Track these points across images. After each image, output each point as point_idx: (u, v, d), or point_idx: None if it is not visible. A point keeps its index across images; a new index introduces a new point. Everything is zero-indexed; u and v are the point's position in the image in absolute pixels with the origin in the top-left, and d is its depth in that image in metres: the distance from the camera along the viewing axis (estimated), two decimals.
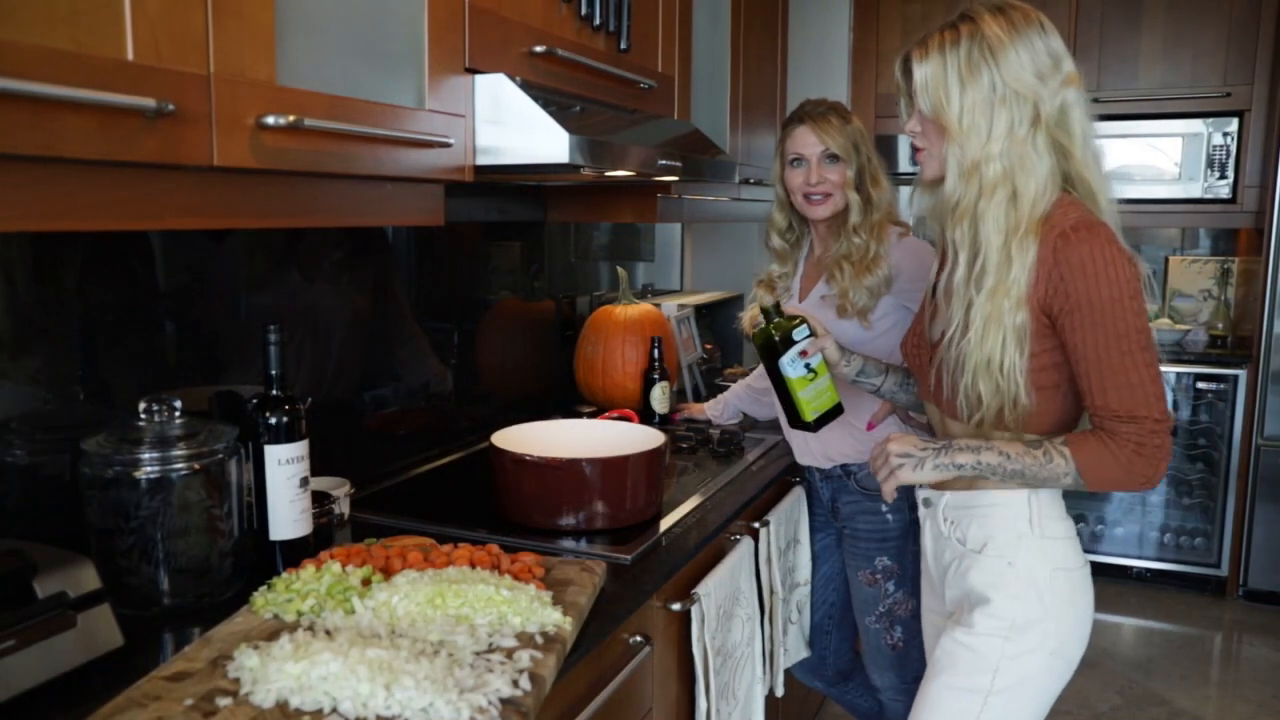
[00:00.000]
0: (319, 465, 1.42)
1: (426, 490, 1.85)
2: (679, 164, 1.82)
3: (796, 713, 2.38)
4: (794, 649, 2.02)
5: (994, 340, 1.27)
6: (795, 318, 1.61)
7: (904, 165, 4.00)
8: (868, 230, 1.86)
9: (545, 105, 1.42)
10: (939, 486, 1.43)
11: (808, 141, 1.88)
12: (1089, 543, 3.95)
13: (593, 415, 2.28)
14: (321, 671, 0.96)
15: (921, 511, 1.50)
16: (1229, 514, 3.71)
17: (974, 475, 1.32)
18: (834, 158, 1.87)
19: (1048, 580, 1.33)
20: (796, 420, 1.64)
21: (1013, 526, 1.35)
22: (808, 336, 1.60)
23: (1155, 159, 3.89)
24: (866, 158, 1.89)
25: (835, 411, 1.65)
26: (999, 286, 1.27)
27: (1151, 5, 3.81)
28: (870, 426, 1.78)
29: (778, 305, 1.62)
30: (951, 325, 1.33)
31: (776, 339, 1.60)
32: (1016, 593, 1.34)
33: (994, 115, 1.26)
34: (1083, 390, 1.27)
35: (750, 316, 2.15)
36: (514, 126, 1.41)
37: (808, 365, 1.60)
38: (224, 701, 0.94)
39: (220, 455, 1.24)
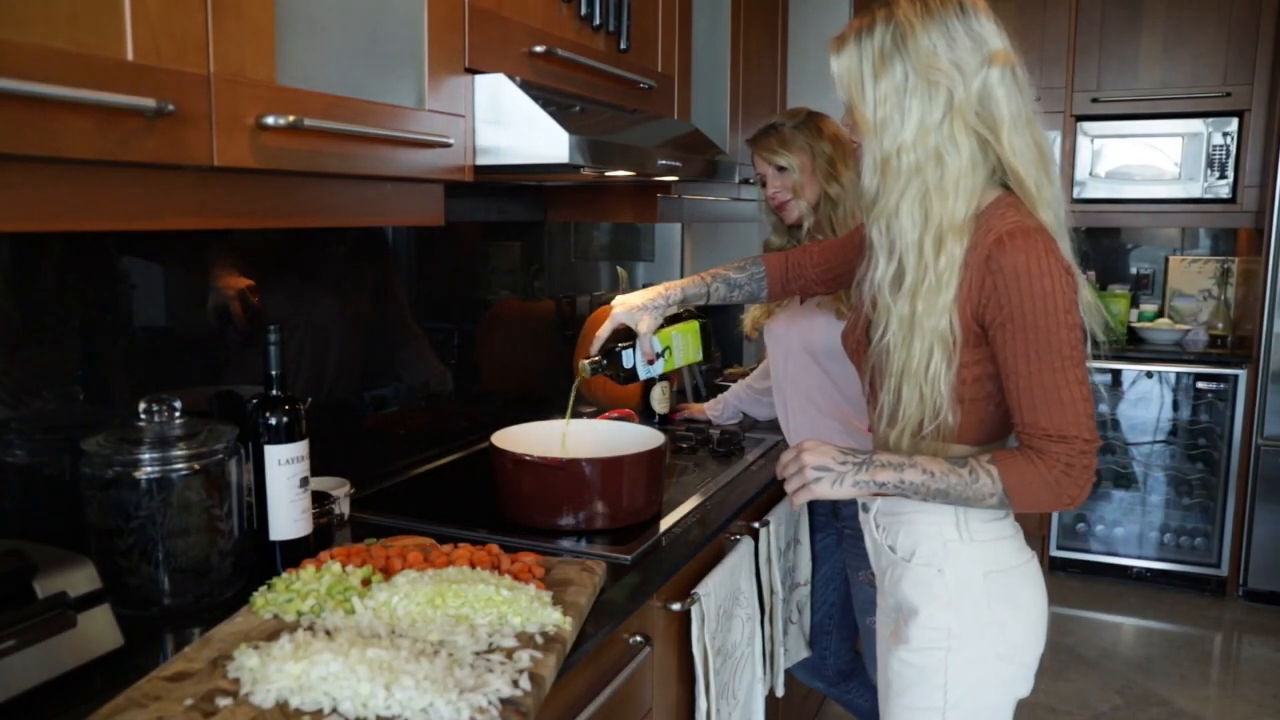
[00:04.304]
0: (319, 465, 1.42)
1: (426, 490, 1.85)
2: (679, 164, 1.82)
3: (797, 713, 2.38)
4: (794, 649, 2.02)
5: (918, 346, 1.21)
6: (618, 349, 1.65)
7: None
8: (830, 229, 1.95)
9: (545, 105, 1.42)
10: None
11: (756, 163, 2.07)
12: (1089, 542, 3.95)
13: (593, 415, 2.27)
14: (321, 671, 0.96)
15: (860, 517, 1.45)
16: (1229, 514, 3.71)
17: (896, 494, 1.25)
18: (781, 168, 2.01)
19: (981, 585, 1.27)
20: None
21: (939, 533, 1.29)
22: (634, 349, 1.65)
23: (1155, 159, 3.89)
24: (825, 158, 1.97)
25: (706, 332, 1.80)
26: (917, 287, 1.21)
27: (1151, 5, 3.81)
28: (870, 429, 1.78)
29: (597, 361, 1.65)
30: (878, 328, 1.27)
31: (624, 379, 1.67)
32: (948, 601, 1.28)
33: (906, 105, 1.19)
34: (1011, 406, 1.20)
35: (752, 319, 2.16)
36: (514, 126, 1.41)
37: (659, 356, 1.67)
38: (224, 701, 0.94)
39: (220, 455, 1.24)
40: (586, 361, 1.64)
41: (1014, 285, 1.15)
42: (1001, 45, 1.21)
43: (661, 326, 1.68)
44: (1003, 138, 1.20)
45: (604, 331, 1.63)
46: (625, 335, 1.65)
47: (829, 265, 1.69)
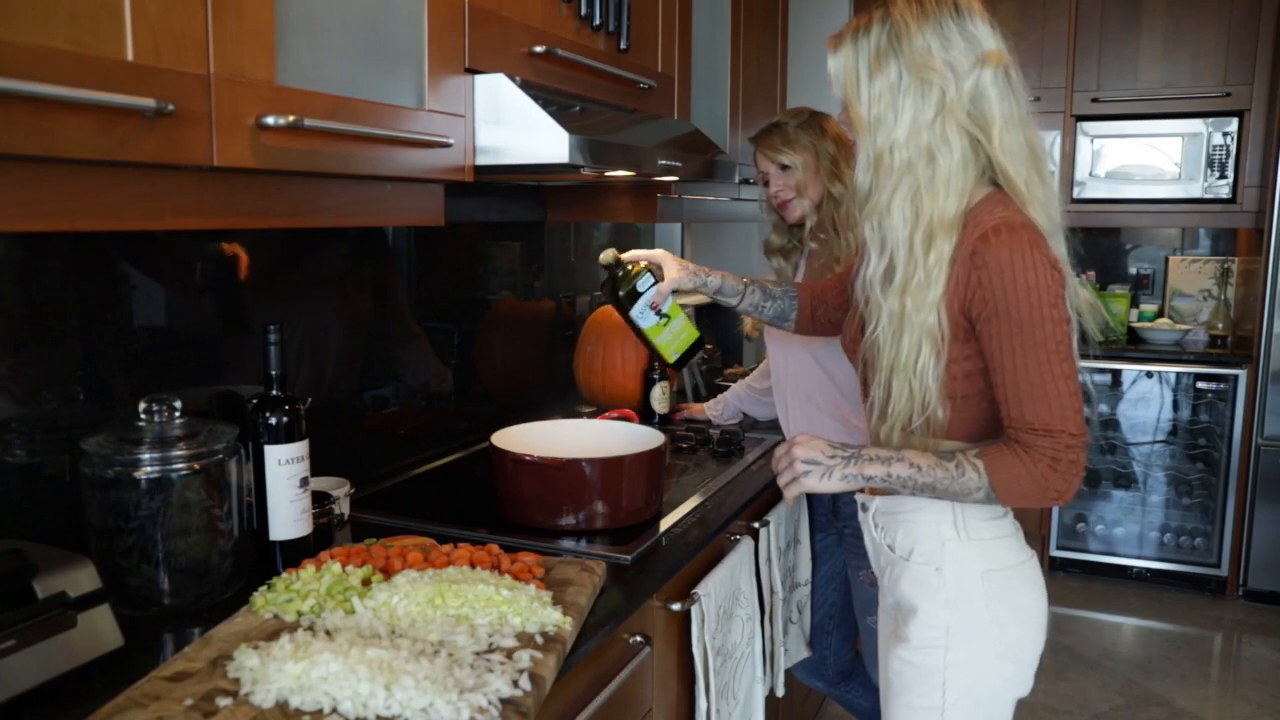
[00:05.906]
0: (319, 465, 1.42)
1: (426, 490, 1.84)
2: (679, 164, 1.82)
3: (797, 713, 2.38)
4: (794, 649, 2.02)
5: (906, 341, 1.22)
6: (639, 267, 1.62)
7: None
8: (833, 228, 1.94)
9: (545, 105, 1.42)
10: (867, 491, 1.39)
11: (759, 161, 2.05)
12: (1089, 542, 3.95)
13: (593, 415, 2.27)
14: (321, 671, 0.96)
15: (860, 515, 1.46)
16: (1229, 514, 3.71)
17: (884, 487, 1.27)
18: (785, 167, 1.99)
19: (979, 583, 1.28)
20: (661, 364, 1.73)
21: (937, 532, 1.30)
22: (653, 285, 1.61)
23: (1155, 159, 3.89)
24: (829, 158, 1.96)
25: (696, 346, 1.71)
26: (907, 283, 1.22)
27: (1151, 5, 3.81)
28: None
29: (619, 260, 1.62)
30: (869, 324, 1.29)
31: (622, 294, 1.62)
32: (947, 599, 1.28)
33: (899, 103, 1.21)
34: (999, 400, 1.21)
35: (752, 319, 2.16)
36: (514, 126, 1.41)
37: (659, 312, 1.63)
38: (224, 701, 0.94)
39: (220, 455, 1.24)
40: (612, 251, 1.62)
41: (998, 280, 1.16)
42: (995, 46, 1.22)
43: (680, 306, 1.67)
44: (994, 137, 1.22)
45: (641, 253, 1.64)
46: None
47: (846, 288, 1.67)
